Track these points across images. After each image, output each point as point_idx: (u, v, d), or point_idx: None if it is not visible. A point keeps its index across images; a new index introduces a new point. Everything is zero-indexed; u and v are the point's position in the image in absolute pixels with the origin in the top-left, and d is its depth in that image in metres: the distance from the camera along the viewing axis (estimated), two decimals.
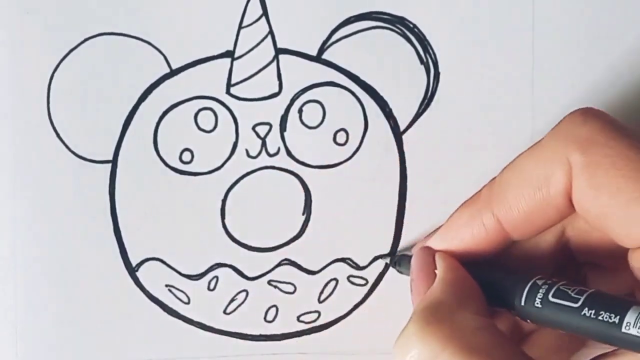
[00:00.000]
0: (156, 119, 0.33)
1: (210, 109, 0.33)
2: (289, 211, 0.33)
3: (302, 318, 0.33)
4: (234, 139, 0.33)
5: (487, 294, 0.29)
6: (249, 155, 0.33)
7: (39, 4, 0.32)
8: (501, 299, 0.28)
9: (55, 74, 0.32)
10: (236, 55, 0.33)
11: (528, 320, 0.28)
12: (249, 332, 0.33)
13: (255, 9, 0.33)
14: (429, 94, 0.33)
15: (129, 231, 0.33)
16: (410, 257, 0.31)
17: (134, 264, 0.33)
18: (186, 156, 0.33)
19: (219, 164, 0.33)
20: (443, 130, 0.33)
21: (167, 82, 0.33)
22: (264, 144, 0.33)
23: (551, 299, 0.27)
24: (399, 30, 0.33)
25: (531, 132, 0.33)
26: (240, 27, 0.33)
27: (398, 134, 0.33)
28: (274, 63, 0.33)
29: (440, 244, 0.30)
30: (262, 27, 0.33)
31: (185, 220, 0.33)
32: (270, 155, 0.33)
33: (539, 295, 0.27)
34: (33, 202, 0.32)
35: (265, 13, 0.33)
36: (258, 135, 0.33)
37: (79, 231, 0.32)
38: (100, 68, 0.32)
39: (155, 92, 0.33)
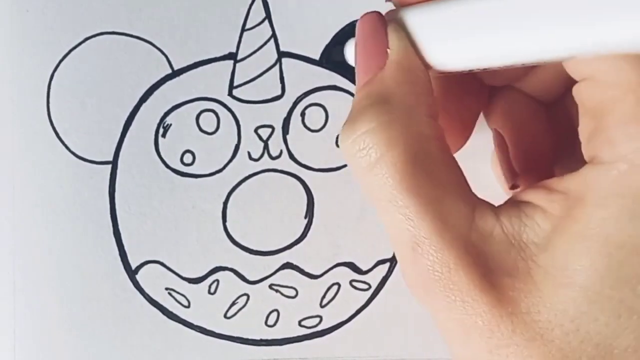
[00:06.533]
0: (157, 120, 0.32)
1: (213, 110, 0.32)
2: (291, 214, 0.33)
3: (303, 323, 0.33)
4: (236, 141, 0.33)
5: None
6: (251, 158, 0.33)
7: (39, 4, 0.32)
8: None
9: (55, 74, 0.32)
10: (239, 57, 0.33)
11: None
12: (249, 337, 0.33)
13: (258, 12, 0.33)
14: None
15: (129, 233, 0.32)
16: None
17: (133, 267, 0.32)
18: (187, 158, 0.32)
19: (221, 166, 0.33)
20: None
21: (169, 83, 0.32)
22: (266, 147, 0.33)
23: None
24: None
25: None
26: (243, 30, 0.33)
27: None
28: (277, 66, 0.33)
29: None
30: (265, 30, 0.33)
31: (186, 223, 0.32)
32: (272, 158, 0.33)
33: None
34: (32, 203, 0.32)
35: (268, 16, 0.33)
36: (260, 138, 0.33)
37: (78, 233, 0.32)
38: (101, 68, 0.32)
39: (156, 92, 0.32)
